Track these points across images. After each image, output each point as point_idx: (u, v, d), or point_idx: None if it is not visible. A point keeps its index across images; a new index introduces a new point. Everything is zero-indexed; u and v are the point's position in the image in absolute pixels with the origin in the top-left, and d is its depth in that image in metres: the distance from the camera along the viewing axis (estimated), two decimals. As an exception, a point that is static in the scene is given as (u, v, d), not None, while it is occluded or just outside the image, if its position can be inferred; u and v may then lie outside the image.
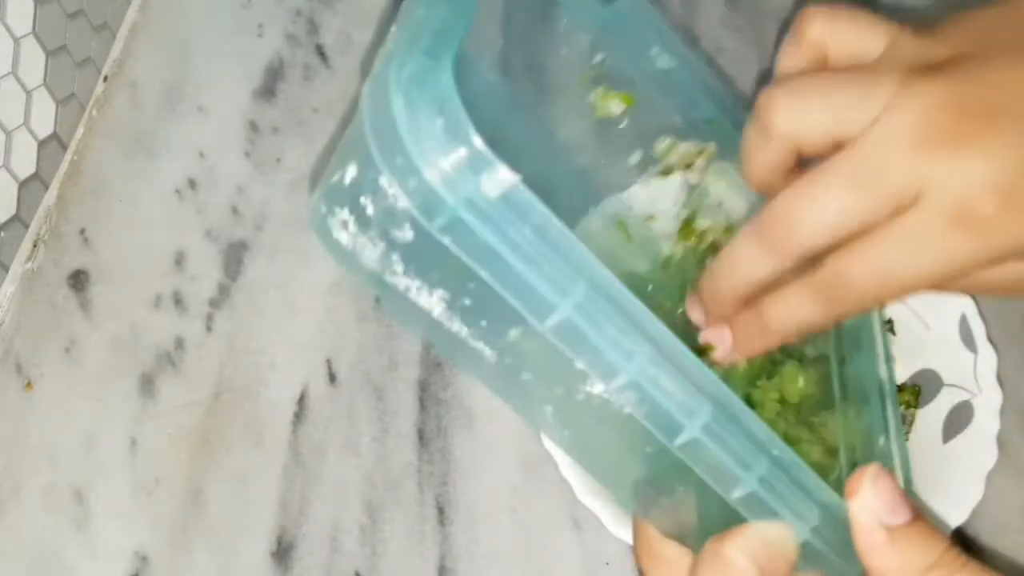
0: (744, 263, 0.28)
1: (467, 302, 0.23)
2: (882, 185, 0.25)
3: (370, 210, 0.22)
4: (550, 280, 0.22)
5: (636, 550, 0.29)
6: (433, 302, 0.23)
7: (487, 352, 0.24)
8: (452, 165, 0.21)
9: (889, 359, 0.32)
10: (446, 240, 0.22)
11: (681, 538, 0.28)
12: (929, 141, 0.25)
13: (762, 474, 0.25)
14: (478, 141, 0.21)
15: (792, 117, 0.27)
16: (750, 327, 0.30)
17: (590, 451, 0.28)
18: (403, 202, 0.21)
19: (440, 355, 0.24)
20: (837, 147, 0.26)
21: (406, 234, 0.22)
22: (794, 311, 0.28)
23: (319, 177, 0.24)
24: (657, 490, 0.28)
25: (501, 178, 0.21)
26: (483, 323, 0.24)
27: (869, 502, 0.24)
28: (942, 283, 0.26)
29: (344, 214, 0.23)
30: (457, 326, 0.24)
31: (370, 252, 0.23)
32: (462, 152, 0.21)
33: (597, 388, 0.24)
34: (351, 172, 0.22)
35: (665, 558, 0.27)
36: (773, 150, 0.28)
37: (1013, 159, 0.25)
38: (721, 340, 0.31)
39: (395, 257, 0.23)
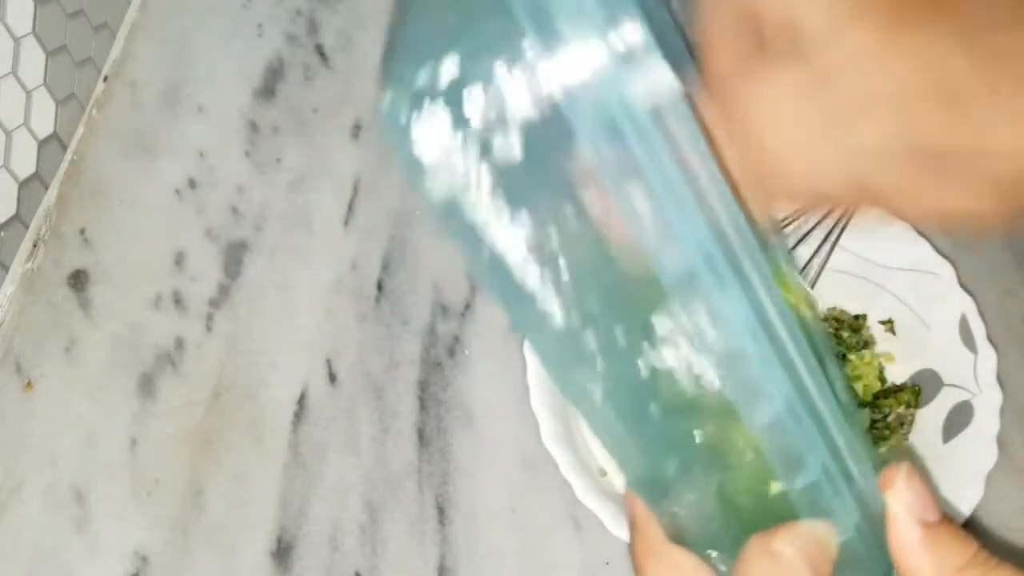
0: None
1: (556, 241, 0.20)
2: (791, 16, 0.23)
3: (473, 109, 0.19)
4: (686, 224, 0.19)
5: (635, 548, 0.27)
6: (514, 236, 0.20)
7: (555, 306, 0.21)
8: (611, 55, 0.18)
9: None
10: (590, 147, 0.19)
11: (693, 541, 0.26)
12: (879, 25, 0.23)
13: (825, 462, 0.23)
14: (645, 33, 0.18)
15: None
16: None
17: (628, 433, 0.25)
18: (522, 102, 0.18)
19: (489, 293, 0.22)
20: (787, 29, 0.24)
21: (512, 146, 0.19)
22: None
23: (390, 65, 0.21)
24: (688, 484, 0.25)
25: (661, 80, 0.18)
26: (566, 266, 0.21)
27: (904, 497, 0.24)
28: (835, 159, 0.24)
29: (432, 114, 0.19)
30: (532, 269, 0.21)
31: (457, 163, 0.20)
32: (626, 40, 0.18)
33: (668, 360, 0.22)
34: (451, 64, 0.19)
35: (671, 561, 0.26)
36: (728, 17, 0.25)
37: (943, 52, 0.23)
38: None
39: (488, 173, 0.20)
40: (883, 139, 0.23)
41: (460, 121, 0.19)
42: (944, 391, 0.42)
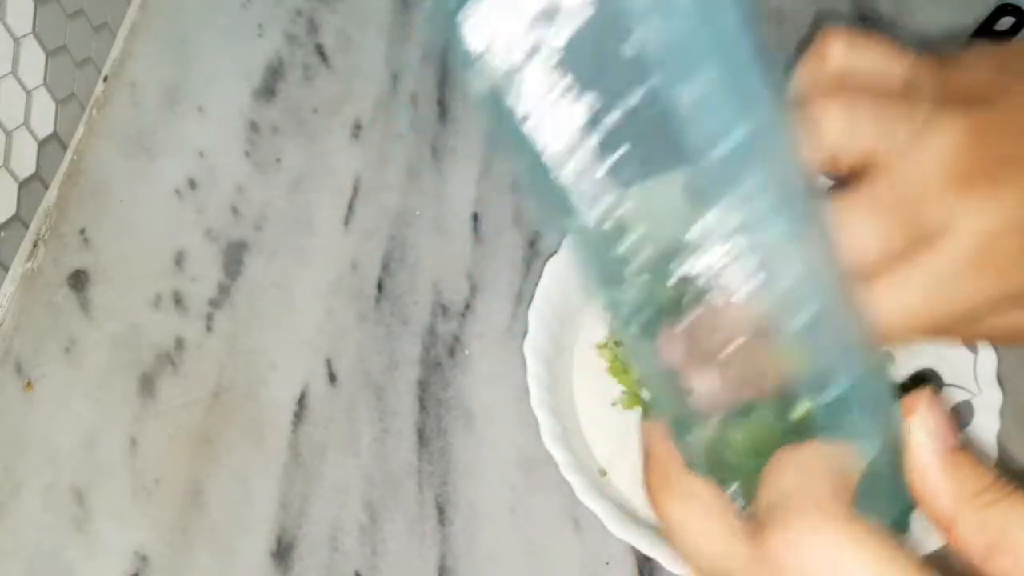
0: None
1: (622, 122, 0.20)
2: (911, 215, 0.25)
3: None
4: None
5: (650, 479, 0.26)
6: (562, 128, 0.19)
7: (595, 205, 0.21)
8: None
9: None
10: (649, 32, 0.18)
11: (712, 473, 0.25)
12: (960, 177, 0.25)
13: (854, 377, 0.23)
14: None
15: (843, 126, 0.26)
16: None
17: (657, 350, 0.24)
18: None
19: (529, 195, 0.21)
20: (864, 169, 0.26)
21: (566, 31, 0.18)
22: None
23: None
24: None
25: None
26: (625, 153, 0.20)
27: (927, 422, 0.24)
28: (953, 325, 0.26)
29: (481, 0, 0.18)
30: (585, 158, 0.20)
31: (508, 50, 0.19)
32: None
33: (698, 265, 0.21)
34: None
35: (692, 492, 0.24)
36: (812, 160, 0.27)
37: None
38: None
39: (541, 60, 0.19)
40: (986, 292, 0.25)
41: (511, 6, 0.19)
42: (944, 391, 0.42)
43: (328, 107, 0.56)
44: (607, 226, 0.21)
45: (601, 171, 0.20)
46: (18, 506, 0.44)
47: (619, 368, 0.45)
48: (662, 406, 0.25)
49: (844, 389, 0.23)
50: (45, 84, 0.51)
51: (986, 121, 0.25)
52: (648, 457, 0.26)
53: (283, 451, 0.46)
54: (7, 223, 0.49)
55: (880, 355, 0.24)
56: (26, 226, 0.51)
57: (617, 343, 0.45)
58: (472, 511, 0.44)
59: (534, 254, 0.51)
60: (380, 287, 0.50)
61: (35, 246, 0.51)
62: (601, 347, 0.46)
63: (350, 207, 0.52)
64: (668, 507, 0.25)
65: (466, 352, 0.48)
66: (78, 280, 0.50)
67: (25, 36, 0.48)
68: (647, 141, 0.20)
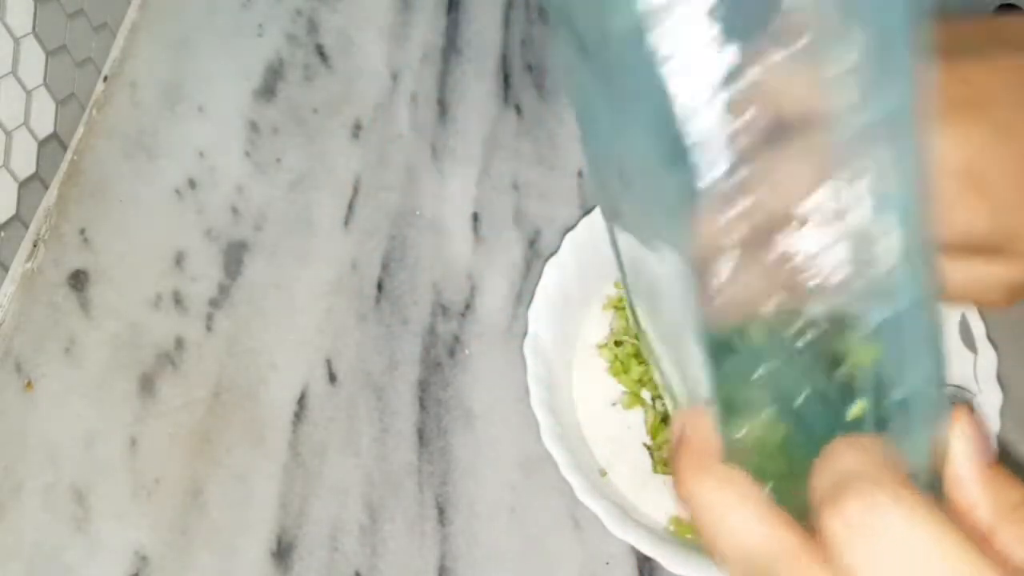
0: None
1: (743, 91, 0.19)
2: None
3: None
4: None
5: (680, 465, 0.24)
6: (715, 67, 0.19)
7: (725, 157, 0.19)
8: None
9: None
10: None
11: (750, 469, 0.23)
12: (946, 106, 0.25)
13: (922, 381, 0.22)
14: None
15: None
16: None
17: (731, 335, 0.23)
18: None
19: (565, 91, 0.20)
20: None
21: None
22: None
23: None
24: (767, 399, 0.23)
25: None
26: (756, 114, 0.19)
27: (967, 435, 0.23)
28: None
29: None
30: (717, 113, 0.19)
31: None
32: None
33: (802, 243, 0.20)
34: None
35: (729, 478, 0.23)
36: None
37: (976, 146, 0.26)
38: None
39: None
40: None
41: None
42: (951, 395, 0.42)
43: (328, 107, 0.56)
44: (723, 188, 0.20)
45: (730, 129, 0.19)
46: (18, 506, 0.44)
47: (619, 368, 0.45)
48: (715, 393, 0.24)
49: (910, 392, 0.22)
50: (45, 84, 0.51)
51: (951, 70, 0.26)
52: (682, 440, 0.24)
53: (283, 451, 0.46)
54: (7, 223, 0.49)
55: (945, 364, 0.23)
56: (26, 226, 0.51)
57: (618, 343, 0.45)
58: (472, 511, 0.44)
59: (534, 254, 0.51)
60: (380, 287, 0.50)
61: (35, 246, 0.51)
62: (601, 347, 0.46)
63: (350, 207, 0.52)
64: (700, 489, 0.23)
65: (466, 352, 0.48)
66: (78, 280, 0.50)
67: (25, 36, 0.48)
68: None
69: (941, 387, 0.23)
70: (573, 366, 0.46)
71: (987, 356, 0.41)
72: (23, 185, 0.50)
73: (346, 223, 0.52)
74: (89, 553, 0.43)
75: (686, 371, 0.25)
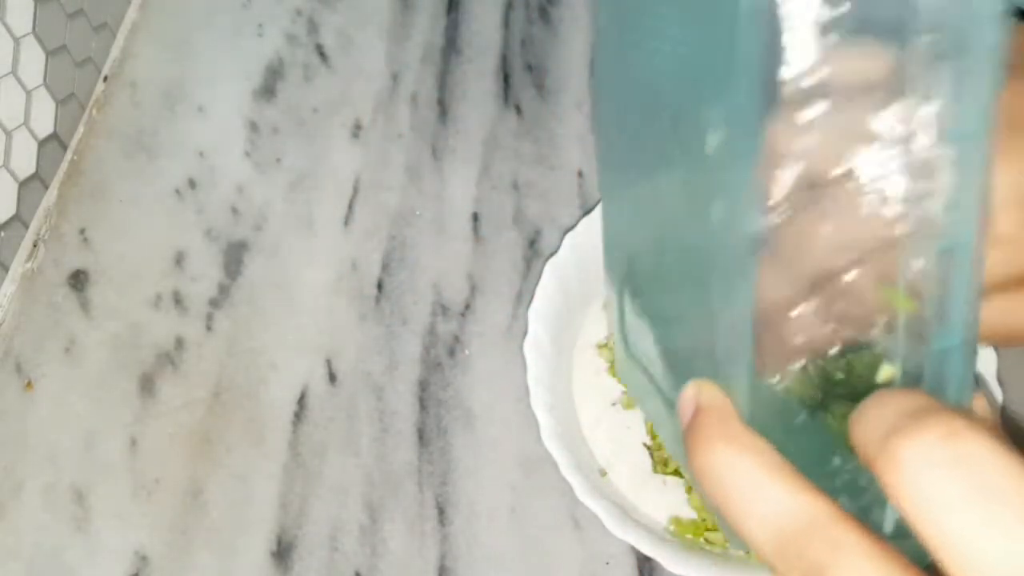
0: None
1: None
2: None
3: None
4: None
5: (703, 432, 0.22)
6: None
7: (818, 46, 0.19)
8: None
9: None
10: None
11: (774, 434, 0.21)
12: None
13: (966, 331, 0.21)
14: None
15: None
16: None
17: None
18: None
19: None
20: None
21: None
22: None
23: None
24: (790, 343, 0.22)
25: None
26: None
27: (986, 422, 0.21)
28: None
29: None
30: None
31: None
32: None
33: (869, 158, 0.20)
34: None
35: (756, 446, 0.21)
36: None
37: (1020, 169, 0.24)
38: None
39: None
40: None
41: None
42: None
43: (328, 107, 0.56)
44: (803, 85, 0.19)
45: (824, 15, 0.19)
46: (18, 506, 0.44)
47: (619, 368, 0.45)
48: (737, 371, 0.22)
49: (954, 342, 0.21)
50: (45, 84, 0.51)
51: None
52: (699, 408, 0.22)
53: (283, 451, 0.46)
54: (7, 223, 0.49)
55: (976, 337, 0.21)
56: (26, 226, 0.51)
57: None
58: (472, 511, 0.44)
59: (534, 254, 0.51)
60: (380, 287, 0.50)
61: (35, 246, 0.51)
62: (601, 347, 0.46)
63: (350, 207, 0.52)
64: (723, 458, 0.21)
65: (466, 352, 0.48)
66: (78, 280, 0.50)
67: (25, 36, 0.48)
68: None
69: (972, 360, 0.22)
70: (573, 366, 0.46)
71: (987, 356, 0.41)
72: (23, 185, 0.50)
73: (346, 223, 0.52)
74: (89, 553, 0.43)
75: (693, 361, 0.23)
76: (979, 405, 0.21)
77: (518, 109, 0.55)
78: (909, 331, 0.21)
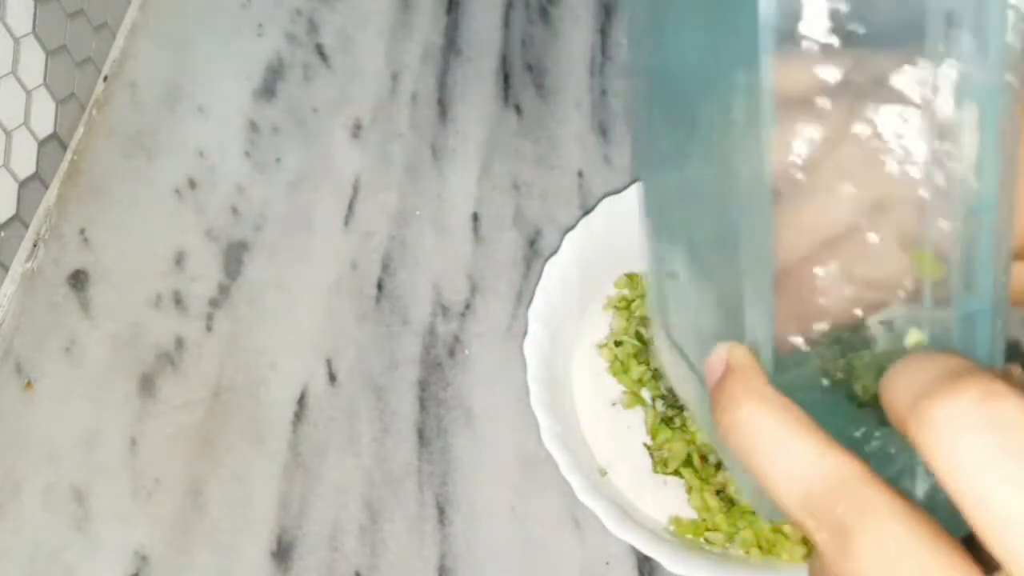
0: None
1: None
2: None
3: None
4: None
5: (733, 392, 0.21)
6: None
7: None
8: None
9: None
10: None
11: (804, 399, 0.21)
12: None
13: (995, 295, 0.20)
14: None
15: None
16: None
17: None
18: None
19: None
20: None
21: None
22: None
23: None
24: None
25: None
26: None
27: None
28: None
29: None
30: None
31: None
32: None
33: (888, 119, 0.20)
34: None
35: (787, 405, 0.20)
36: None
37: None
38: None
39: None
40: None
41: None
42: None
43: (328, 107, 0.56)
44: (823, 41, 0.19)
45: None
46: (18, 506, 0.44)
47: (619, 368, 0.45)
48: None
49: (983, 306, 0.20)
50: (45, 84, 0.51)
51: None
52: (731, 369, 0.22)
53: (283, 451, 0.46)
54: (7, 223, 0.49)
55: (1007, 298, 0.21)
56: (26, 226, 0.51)
57: (618, 343, 0.45)
58: (472, 511, 0.44)
59: (534, 254, 0.51)
60: (380, 287, 0.50)
61: (35, 246, 0.51)
62: (601, 347, 0.46)
63: (350, 207, 0.52)
64: (753, 416, 0.20)
65: (466, 352, 0.48)
66: (78, 280, 0.50)
67: (25, 36, 0.48)
68: None
69: (1002, 317, 0.21)
70: (573, 366, 0.46)
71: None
72: (23, 185, 0.50)
73: (346, 223, 0.52)
74: (89, 553, 0.43)
75: (725, 326, 0.23)
76: (1014, 372, 0.21)
77: (518, 109, 0.55)
78: (936, 296, 0.21)
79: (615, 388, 0.45)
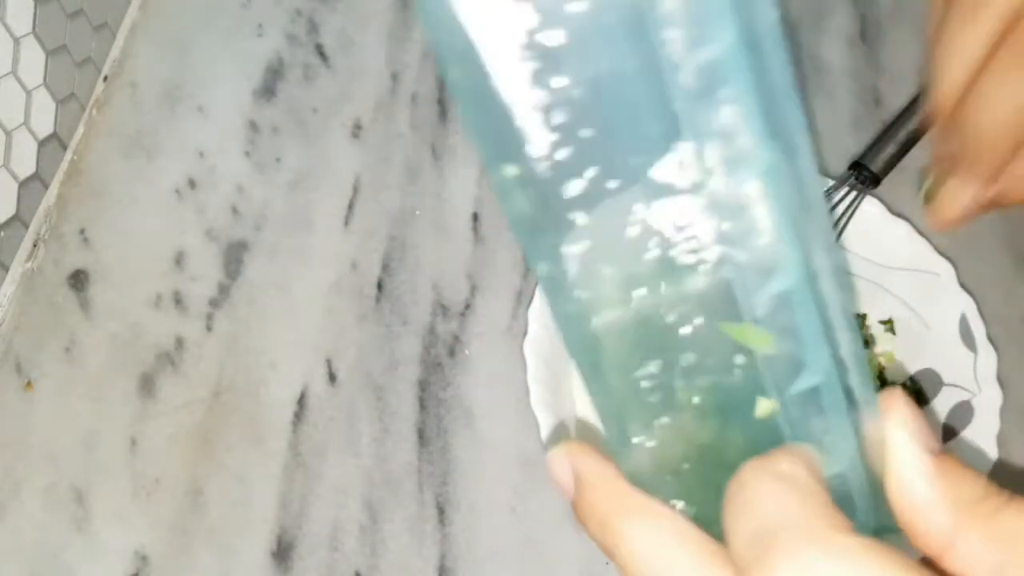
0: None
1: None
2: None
3: None
4: None
5: (600, 511, 0.21)
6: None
7: (544, 140, 0.18)
8: None
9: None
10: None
11: (657, 490, 0.21)
12: None
13: (828, 367, 0.19)
14: None
15: None
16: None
17: (603, 325, 0.20)
18: None
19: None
20: None
21: None
22: None
23: None
24: (664, 403, 0.21)
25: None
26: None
27: (908, 424, 0.20)
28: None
29: None
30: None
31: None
32: None
33: (664, 219, 0.18)
34: None
35: (658, 514, 0.20)
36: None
37: None
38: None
39: None
40: None
41: None
42: (944, 391, 0.42)
43: (328, 107, 0.56)
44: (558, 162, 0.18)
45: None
46: (18, 506, 0.44)
47: (619, 368, 0.45)
48: (601, 405, 0.21)
49: (816, 381, 0.20)
50: (45, 84, 0.51)
51: None
52: (583, 482, 0.21)
53: (283, 451, 0.46)
54: (7, 223, 0.49)
55: (858, 342, 0.20)
56: (26, 226, 0.51)
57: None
58: (472, 511, 0.44)
59: (534, 254, 0.51)
60: (380, 287, 0.50)
61: (35, 246, 0.51)
62: (601, 347, 0.46)
63: (350, 207, 0.52)
64: (632, 534, 0.20)
65: (466, 352, 0.48)
66: (78, 280, 0.50)
67: (25, 36, 0.48)
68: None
69: (859, 372, 0.20)
70: (573, 366, 0.45)
71: (987, 356, 0.41)
72: (23, 185, 0.50)
73: (346, 223, 0.52)
74: (89, 553, 0.43)
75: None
76: (891, 406, 0.20)
77: (518, 109, 0.55)
78: (771, 368, 0.20)
79: (615, 388, 0.45)
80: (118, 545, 0.44)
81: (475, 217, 0.52)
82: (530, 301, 0.43)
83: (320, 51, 0.58)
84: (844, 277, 0.21)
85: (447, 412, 0.47)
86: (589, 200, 0.19)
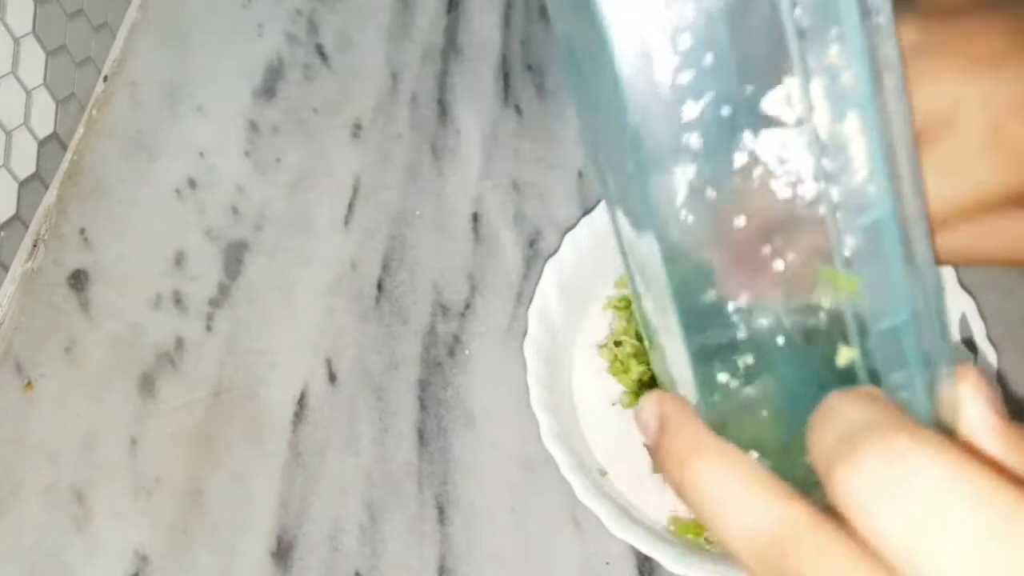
0: None
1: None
2: (919, 104, 0.23)
3: None
4: None
5: (675, 452, 0.21)
6: None
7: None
8: None
9: None
10: None
11: (736, 438, 0.21)
12: (966, 63, 0.24)
13: (914, 308, 0.20)
14: None
15: None
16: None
17: (699, 260, 0.21)
18: None
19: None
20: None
21: None
22: None
23: None
24: (752, 345, 0.21)
25: None
26: None
27: (980, 391, 0.20)
28: (966, 217, 0.25)
29: None
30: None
31: None
32: None
33: (765, 149, 0.19)
34: None
35: (727, 458, 0.20)
36: None
37: (1001, 98, 0.24)
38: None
39: None
40: (1002, 176, 0.24)
41: None
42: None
43: (328, 107, 0.56)
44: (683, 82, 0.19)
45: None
46: (18, 506, 0.44)
47: (619, 368, 0.45)
48: (698, 342, 0.21)
49: (899, 322, 0.20)
50: (45, 84, 0.51)
51: (986, 15, 0.25)
52: (668, 426, 0.22)
53: (283, 451, 0.46)
54: (7, 223, 0.49)
55: (941, 298, 0.21)
56: (26, 226, 0.51)
57: (618, 343, 0.45)
58: (472, 511, 0.44)
59: (534, 254, 0.51)
60: (380, 287, 0.50)
61: (35, 246, 0.51)
62: (601, 347, 0.46)
63: (350, 207, 0.52)
64: (697, 473, 0.20)
65: (466, 352, 0.48)
66: (78, 280, 0.50)
67: (25, 36, 0.48)
68: None
69: (938, 328, 0.21)
70: (573, 366, 0.46)
71: (987, 356, 0.41)
72: (23, 185, 0.50)
73: (346, 223, 0.52)
74: (89, 553, 0.43)
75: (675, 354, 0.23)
76: (967, 375, 0.21)
77: (518, 109, 0.55)
78: (856, 311, 0.20)
79: (615, 388, 0.45)
80: (118, 545, 0.44)
81: (475, 217, 0.52)
82: (530, 301, 0.43)
83: (320, 51, 0.58)
84: (927, 225, 0.21)
85: (447, 412, 0.47)
86: (704, 125, 0.19)
